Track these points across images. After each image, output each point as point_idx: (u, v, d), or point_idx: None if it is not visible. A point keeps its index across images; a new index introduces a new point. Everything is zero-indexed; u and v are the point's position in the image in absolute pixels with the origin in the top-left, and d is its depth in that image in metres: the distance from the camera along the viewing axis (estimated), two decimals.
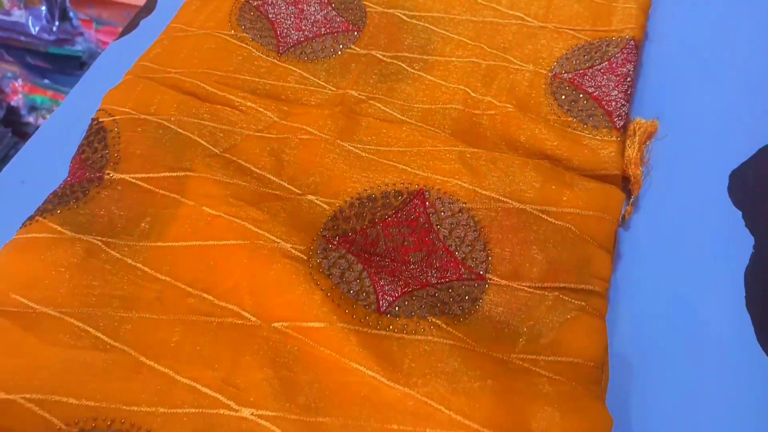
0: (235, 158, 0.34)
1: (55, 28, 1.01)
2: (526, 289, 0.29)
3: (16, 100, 1.26)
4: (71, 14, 1.00)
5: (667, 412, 0.27)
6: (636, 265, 0.31)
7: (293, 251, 0.30)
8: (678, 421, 0.27)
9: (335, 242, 0.31)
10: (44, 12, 0.99)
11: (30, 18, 1.01)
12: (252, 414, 0.26)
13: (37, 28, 1.01)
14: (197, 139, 0.34)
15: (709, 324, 0.29)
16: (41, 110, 1.29)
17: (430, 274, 0.30)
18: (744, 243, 0.31)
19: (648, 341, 0.29)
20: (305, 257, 0.30)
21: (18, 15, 1.01)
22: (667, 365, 0.28)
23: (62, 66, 1.11)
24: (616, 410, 0.27)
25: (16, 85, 1.23)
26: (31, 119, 1.30)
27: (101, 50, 1.05)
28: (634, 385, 0.28)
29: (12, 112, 1.28)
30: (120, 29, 1.01)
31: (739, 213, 0.32)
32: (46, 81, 1.17)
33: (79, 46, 1.05)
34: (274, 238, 0.30)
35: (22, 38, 1.08)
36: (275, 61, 0.39)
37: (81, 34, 1.02)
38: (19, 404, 0.27)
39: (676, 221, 0.32)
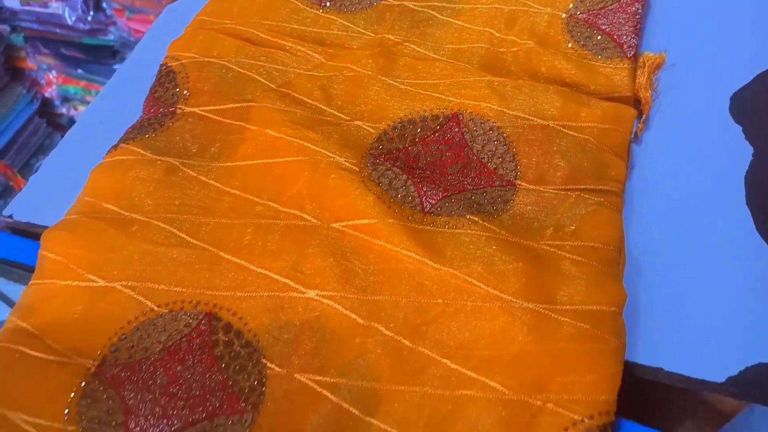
0: (290, 92, 0.38)
1: (89, 18, 1.06)
2: (551, 190, 0.33)
3: (50, 92, 1.31)
4: (104, 4, 1.05)
5: (676, 293, 0.31)
6: (648, 174, 0.35)
7: (346, 164, 0.34)
8: (686, 301, 0.31)
9: (382, 158, 0.35)
10: (80, 2, 1.04)
11: (66, 9, 1.06)
12: (317, 294, 0.31)
13: (73, 18, 1.06)
14: (256, 76, 0.39)
15: (714, 218, 0.33)
16: (74, 101, 1.34)
17: (466, 182, 0.34)
18: (744, 152, 0.35)
19: (659, 235, 0.33)
20: (357, 169, 0.34)
21: (55, 6, 1.06)
22: (676, 254, 0.32)
23: (95, 56, 1.15)
24: (631, 291, 0.30)
25: (51, 76, 1.28)
26: (63, 110, 1.36)
27: (134, 39, 1.10)
28: (646, 271, 0.32)
29: (46, 103, 1.34)
30: (152, 17, 1.05)
31: (740, 128, 0.36)
32: (80, 71, 1.22)
33: (111, 36, 1.09)
34: (329, 153, 0.35)
35: (58, 30, 1.13)
36: (318, 12, 0.44)
37: (114, 23, 1.07)
38: (117, 290, 0.31)
39: (683, 136, 0.36)
